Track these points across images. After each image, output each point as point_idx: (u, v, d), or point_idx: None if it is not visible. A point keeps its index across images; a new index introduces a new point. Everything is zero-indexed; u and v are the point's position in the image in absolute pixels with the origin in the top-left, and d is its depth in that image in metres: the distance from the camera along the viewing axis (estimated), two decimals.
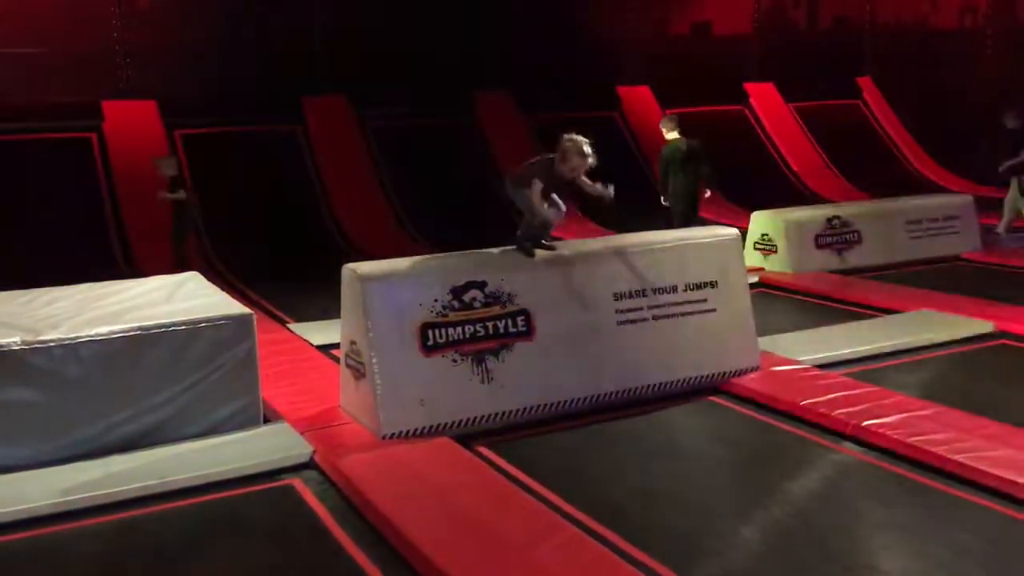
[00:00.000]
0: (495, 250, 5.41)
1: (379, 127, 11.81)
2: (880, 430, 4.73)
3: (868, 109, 15.74)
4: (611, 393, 5.34)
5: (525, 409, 5.13)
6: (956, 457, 4.37)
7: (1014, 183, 10.24)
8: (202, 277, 5.87)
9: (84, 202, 9.99)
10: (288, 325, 7.18)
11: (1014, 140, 10.09)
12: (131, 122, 10.75)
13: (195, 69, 11.21)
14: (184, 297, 5.29)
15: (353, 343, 5.01)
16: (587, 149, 5.10)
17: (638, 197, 12.14)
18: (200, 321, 4.80)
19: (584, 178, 5.20)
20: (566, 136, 5.15)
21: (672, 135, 8.80)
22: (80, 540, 3.96)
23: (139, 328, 4.67)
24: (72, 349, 4.50)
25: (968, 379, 5.90)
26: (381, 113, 11.86)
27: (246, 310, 5.00)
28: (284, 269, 9.22)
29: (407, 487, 4.24)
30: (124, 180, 10.24)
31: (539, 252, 5.31)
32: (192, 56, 11.26)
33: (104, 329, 4.62)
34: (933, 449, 4.48)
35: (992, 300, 7.42)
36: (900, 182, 13.62)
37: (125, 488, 4.25)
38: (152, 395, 4.67)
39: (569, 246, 5.78)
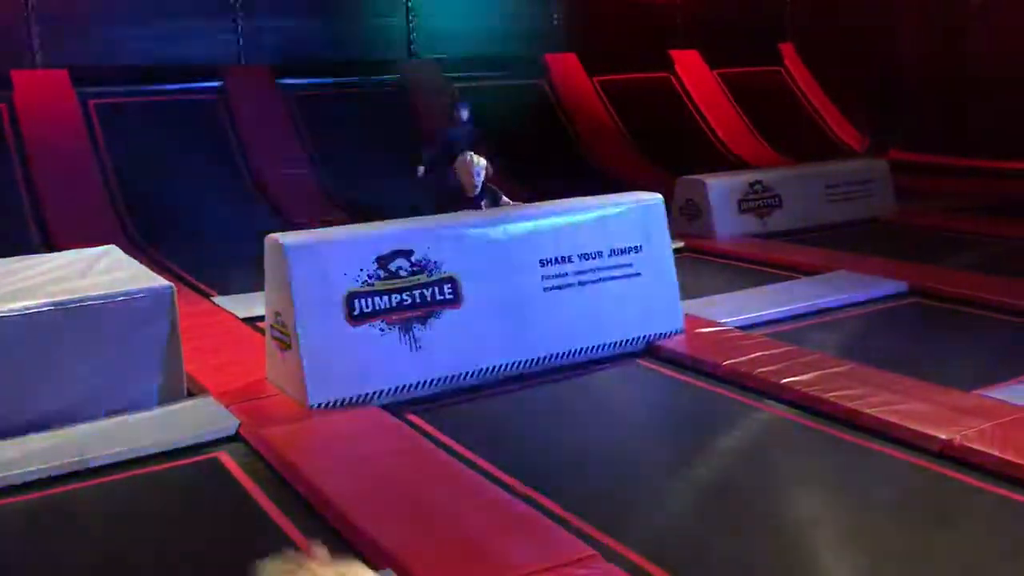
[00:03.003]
0: (421, 218, 5.39)
1: (300, 96, 11.62)
2: (798, 387, 4.88)
3: (789, 76, 15.99)
4: (539, 359, 5.39)
5: (453, 376, 5.14)
6: (870, 411, 4.52)
7: None
8: (119, 250, 5.72)
9: None
10: (212, 298, 7.06)
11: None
12: (43, 92, 10.37)
13: (108, 37, 10.82)
14: (101, 271, 5.15)
15: (278, 314, 4.95)
16: None
17: (565, 158, 12.31)
18: (118, 295, 4.69)
19: None
20: None
21: None
22: (0, 519, 3.86)
23: (54, 303, 4.54)
24: None
25: (882, 336, 6.10)
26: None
27: (166, 283, 4.90)
28: (208, 241, 9.03)
29: (335, 456, 4.23)
30: (37, 152, 9.88)
31: (464, 215, 5.08)
32: (104, 23, 10.86)
33: (17, 305, 4.48)
34: (848, 404, 4.63)
35: (905, 260, 7.68)
36: (820, 147, 13.91)
37: (44, 466, 4.13)
38: (69, 372, 4.55)
39: (494, 213, 5.79)
